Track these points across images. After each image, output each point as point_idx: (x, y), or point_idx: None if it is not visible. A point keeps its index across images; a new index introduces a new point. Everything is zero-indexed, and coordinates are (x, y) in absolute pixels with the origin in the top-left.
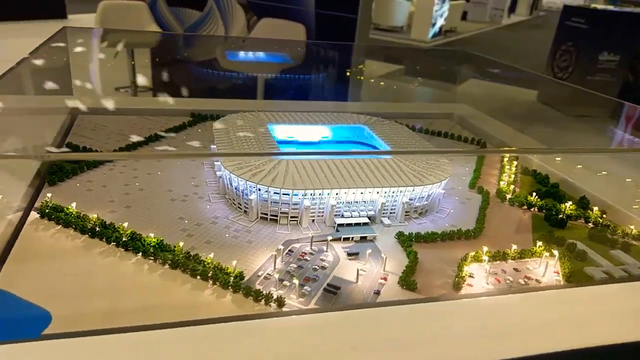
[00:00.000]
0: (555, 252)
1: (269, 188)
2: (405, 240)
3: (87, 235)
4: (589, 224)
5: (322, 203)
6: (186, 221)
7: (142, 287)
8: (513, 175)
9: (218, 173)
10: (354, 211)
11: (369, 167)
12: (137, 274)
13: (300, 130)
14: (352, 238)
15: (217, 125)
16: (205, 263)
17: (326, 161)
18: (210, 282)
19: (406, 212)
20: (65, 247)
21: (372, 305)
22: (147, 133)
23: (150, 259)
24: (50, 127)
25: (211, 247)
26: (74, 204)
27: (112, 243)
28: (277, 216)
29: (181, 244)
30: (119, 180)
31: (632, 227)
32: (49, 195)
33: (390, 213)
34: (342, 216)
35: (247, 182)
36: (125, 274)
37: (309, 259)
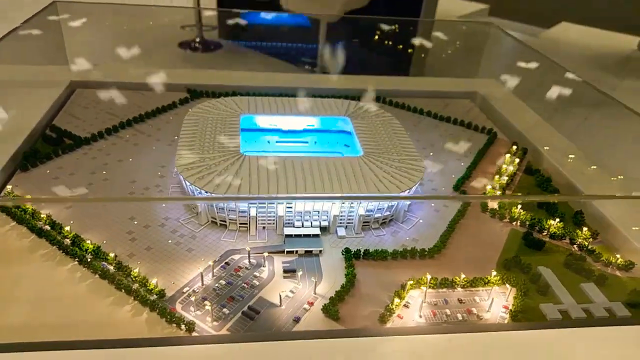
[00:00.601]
0: (508, 286)
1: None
2: (350, 258)
3: (35, 235)
4: (574, 245)
5: (272, 211)
6: (135, 222)
7: (66, 298)
8: (506, 179)
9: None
10: (307, 220)
11: (331, 170)
12: (67, 283)
13: (283, 120)
14: (297, 251)
15: (190, 116)
16: (133, 276)
17: (285, 161)
18: (132, 297)
19: (365, 222)
20: (10, 248)
21: (278, 337)
22: (137, 111)
23: (85, 267)
24: (47, 99)
25: (149, 254)
26: (28, 196)
27: (55, 246)
28: (225, 222)
29: (112, 254)
30: (89, 166)
31: (618, 256)
32: (8, 187)
33: (348, 223)
34: (294, 225)
35: (193, 186)
36: (56, 281)
37: (242, 274)
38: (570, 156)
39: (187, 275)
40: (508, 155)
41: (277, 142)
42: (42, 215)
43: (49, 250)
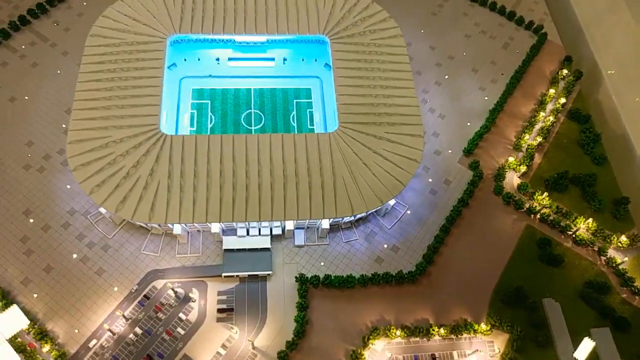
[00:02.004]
0: (496, 348)
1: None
2: (304, 290)
3: None
4: (602, 257)
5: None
6: (32, 220)
7: None
8: (539, 140)
9: None
10: (253, 227)
11: (299, 162)
12: None
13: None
14: (238, 276)
15: (92, 46)
16: (29, 329)
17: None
18: None
19: (333, 223)
20: None
21: None
22: None
23: None
24: None
25: (48, 279)
26: None
27: None
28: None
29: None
30: None
31: None
32: None
33: (311, 224)
34: (237, 233)
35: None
36: None
37: (164, 315)
38: None
39: (95, 316)
40: (552, 91)
41: (229, 59)
42: None
43: None
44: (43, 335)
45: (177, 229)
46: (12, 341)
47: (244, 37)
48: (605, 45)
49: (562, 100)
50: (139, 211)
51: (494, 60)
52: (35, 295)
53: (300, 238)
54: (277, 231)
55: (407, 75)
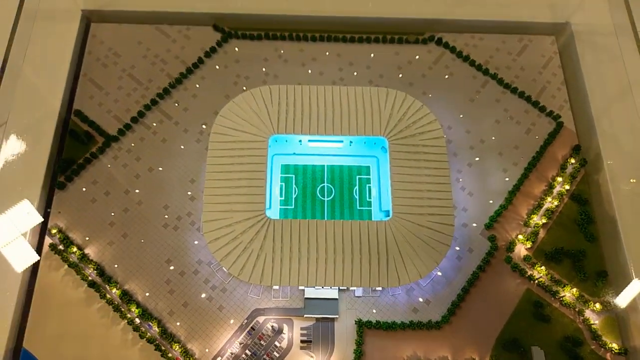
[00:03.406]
0: None
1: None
2: (361, 331)
3: (86, 285)
4: (580, 317)
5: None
6: (172, 267)
7: None
8: (544, 221)
9: None
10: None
11: (355, 241)
12: (123, 345)
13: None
14: (315, 317)
15: (214, 142)
16: (173, 346)
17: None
18: None
19: None
20: (71, 299)
21: None
22: (159, 73)
23: (134, 331)
24: (63, 40)
25: (186, 312)
26: (77, 237)
27: (104, 300)
28: None
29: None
30: (121, 180)
31: (614, 345)
32: (58, 225)
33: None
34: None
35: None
36: (113, 344)
37: (264, 342)
38: (632, 180)
39: (219, 340)
40: (559, 179)
41: (309, 141)
42: (89, 258)
43: (102, 305)
44: (186, 352)
45: None
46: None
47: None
48: (611, 135)
49: (567, 187)
50: (253, 276)
51: (517, 145)
52: (178, 323)
53: (359, 291)
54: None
55: (445, 173)
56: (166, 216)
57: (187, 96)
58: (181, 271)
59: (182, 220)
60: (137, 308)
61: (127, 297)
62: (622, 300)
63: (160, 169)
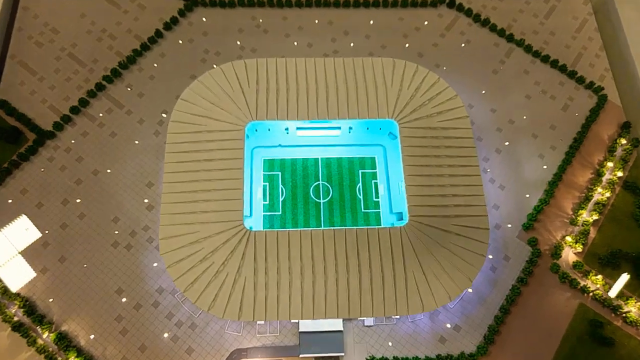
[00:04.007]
0: None
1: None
2: None
3: (10, 328)
4: None
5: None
6: (124, 299)
7: None
8: (594, 218)
9: None
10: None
11: (363, 255)
12: None
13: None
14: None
15: (174, 134)
16: None
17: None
18: None
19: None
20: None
21: None
22: (106, 52)
23: None
24: None
25: (144, 358)
26: None
27: (34, 348)
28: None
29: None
30: (59, 188)
31: None
32: None
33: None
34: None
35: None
36: None
37: None
38: None
39: None
40: (609, 164)
41: (298, 128)
42: (14, 292)
43: (30, 355)
44: None
45: None
46: None
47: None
48: None
49: (619, 173)
50: (229, 309)
51: (554, 124)
52: None
53: (369, 320)
54: None
55: (473, 162)
56: (116, 232)
57: (142, 78)
58: (136, 304)
59: (137, 236)
60: (77, 357)
61: (64, 342)
62: None
63: (109, 171)
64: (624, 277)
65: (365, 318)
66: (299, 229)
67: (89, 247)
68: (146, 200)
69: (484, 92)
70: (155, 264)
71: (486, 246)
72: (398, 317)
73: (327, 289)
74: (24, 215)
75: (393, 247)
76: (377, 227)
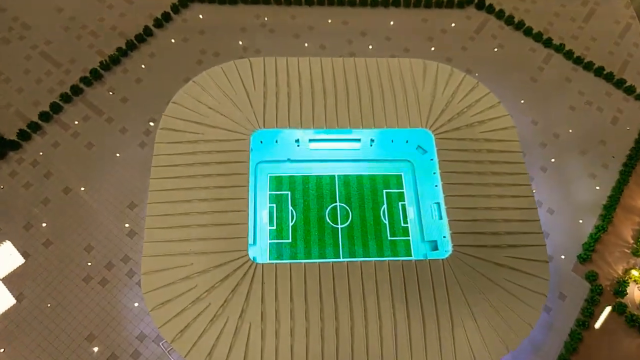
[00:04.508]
0: None
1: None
2: None
3: None
4: None
5: None
6: (96, 348)
7: None
8: None
9: None
10: None
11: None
12: None
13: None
14: None
15: (161, 148)
16: None
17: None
18: None
19: None
20: None
21: None
22: (83, 51)
23: None
24: None
25: None
26: None
27: None
28: None
29: None
30: (22, 211)
31: None
32: None
33: None
34: None
35: None
36: None
37: None
38: None
39: None
40: None
41: (310, 140)
42: None
43: None
44: None
45: None
46: None
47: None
48: None
49: None
50: None
51: (603, 139)
52: None
53: None
54: None
55: (523, 180)
56: (89, 263)
57: (127, 81)
58: (111, 354)
59: (115, 269)
60: None
61: None
62: None
63: (83, 189)
64: None
65: None
66: (316, 260)
67: (54, 282)
68: (127, 225)
69: (522, 101)
70: (136, 304)
71: (547, 283)
72: None
73: (354, 338)
74: None
75: (435, 285)
76: (413, 259)
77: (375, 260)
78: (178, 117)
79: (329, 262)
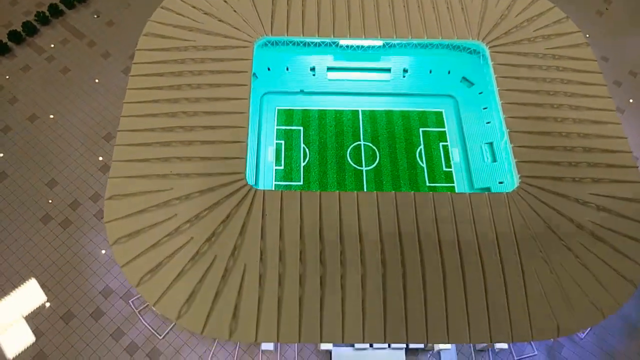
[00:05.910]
0: None
1: None
2: None
3: None
4: None
5: None
6: (48, 304)
7: None
8: None
9: None
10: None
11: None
12: None
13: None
14: None
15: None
16: None
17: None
18: None
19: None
20: None
21: None
22: None
23: None
24: None
25: None
26: None
27: None
28: None
29: None
30: None
31: None
32: None
33: None
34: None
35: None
36: None
37: None
38: None
39: None
40: None
41: (329, 69)
42: None
43: None
44: None
45: None
46: None
47: (355, 41)
48: None
49: None
50: (213, 321)
51: None
52: None
53: (449, 354)
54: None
55: (608, 104)
56: (50, 201)
57: (115, 4)
58: (67, 312)
59: (81, 208)
60: None
61: None
62: None
63: (52, 116)
64: None
65: (442, 355)
66: (335, 191)
67: (5, 222)
68: (101, 158)
69: (587, 35)
70: (103, 251)
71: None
72: (501, 346)
73: (387, 294)
74: None
75: (497, 225)
76: (467, 193)
77: (415, 193)
78: (166, 23)
79: (352, 193)
